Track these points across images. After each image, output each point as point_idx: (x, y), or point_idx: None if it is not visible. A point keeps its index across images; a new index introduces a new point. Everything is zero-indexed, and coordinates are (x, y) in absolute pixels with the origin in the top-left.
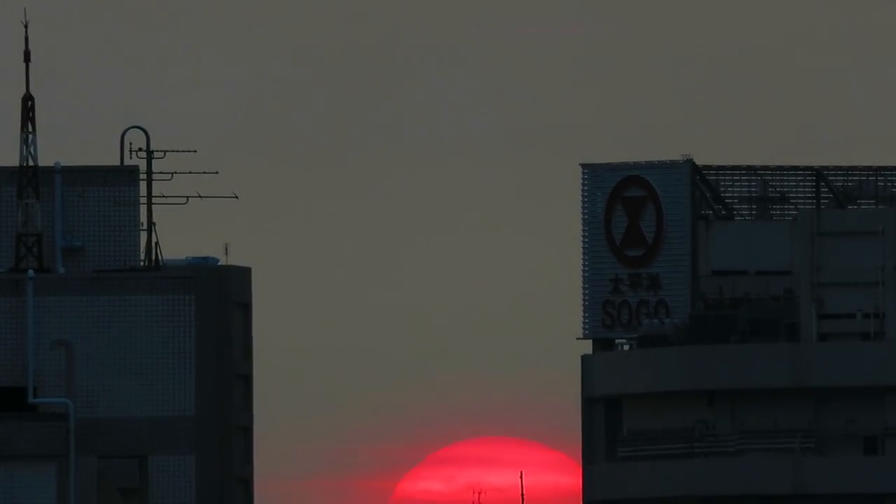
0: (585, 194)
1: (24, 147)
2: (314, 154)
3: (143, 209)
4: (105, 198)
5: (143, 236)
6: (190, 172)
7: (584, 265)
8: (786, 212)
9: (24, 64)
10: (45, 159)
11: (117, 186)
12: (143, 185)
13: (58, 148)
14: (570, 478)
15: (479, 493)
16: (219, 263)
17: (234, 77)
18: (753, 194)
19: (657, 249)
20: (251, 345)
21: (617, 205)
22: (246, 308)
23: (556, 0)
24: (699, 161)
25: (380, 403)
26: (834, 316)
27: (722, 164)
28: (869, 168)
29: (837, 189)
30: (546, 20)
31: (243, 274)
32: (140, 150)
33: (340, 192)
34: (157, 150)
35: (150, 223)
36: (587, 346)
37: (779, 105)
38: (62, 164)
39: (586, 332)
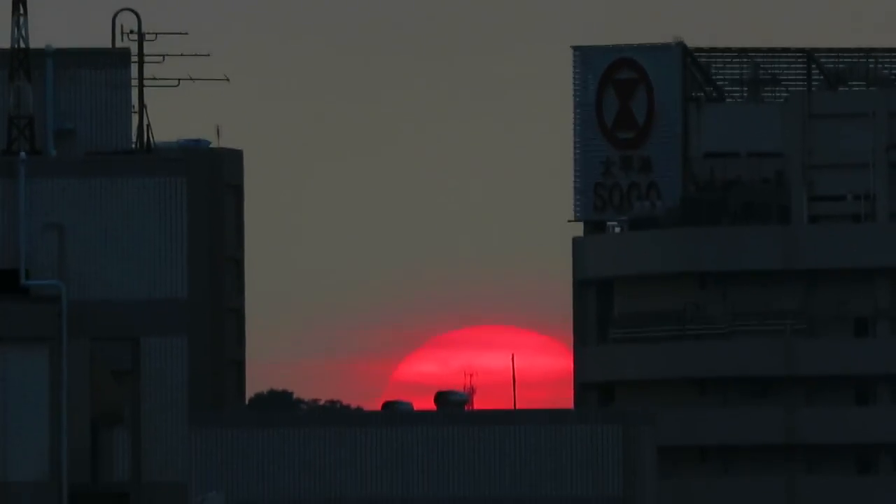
0: (576, 77)
1: (16, 30)
2: (305, 36)
3: (134, 92)
4: (97, 80)
5: (135, 119)
6: (181, 55)
7: (575, 148)
8: (777, 94)
9: None
10: (37, 42)
11: (109, 69)
12: (134, 68)
13: (49, 31)
14: (562, 360)
15: (472, 375)
16: (210, 146)
17: None
18: (744, 76)
19: (648, 132)
20: (243, 227)
21: (608, 87)
22: (238, 190)
23: None
24: (690, 43)
25: (371, 290)
26: (825, 198)
27: (713, 46)
28: (860, 50)
29: (829, 71)
30: None
31: (235, 156)
32: (131, 32)
33: (331, 74)
34: (148, 33)
35: (142, 106)
36: (578, 229)
37: None
38: (54, 47)
39: (578, 214)
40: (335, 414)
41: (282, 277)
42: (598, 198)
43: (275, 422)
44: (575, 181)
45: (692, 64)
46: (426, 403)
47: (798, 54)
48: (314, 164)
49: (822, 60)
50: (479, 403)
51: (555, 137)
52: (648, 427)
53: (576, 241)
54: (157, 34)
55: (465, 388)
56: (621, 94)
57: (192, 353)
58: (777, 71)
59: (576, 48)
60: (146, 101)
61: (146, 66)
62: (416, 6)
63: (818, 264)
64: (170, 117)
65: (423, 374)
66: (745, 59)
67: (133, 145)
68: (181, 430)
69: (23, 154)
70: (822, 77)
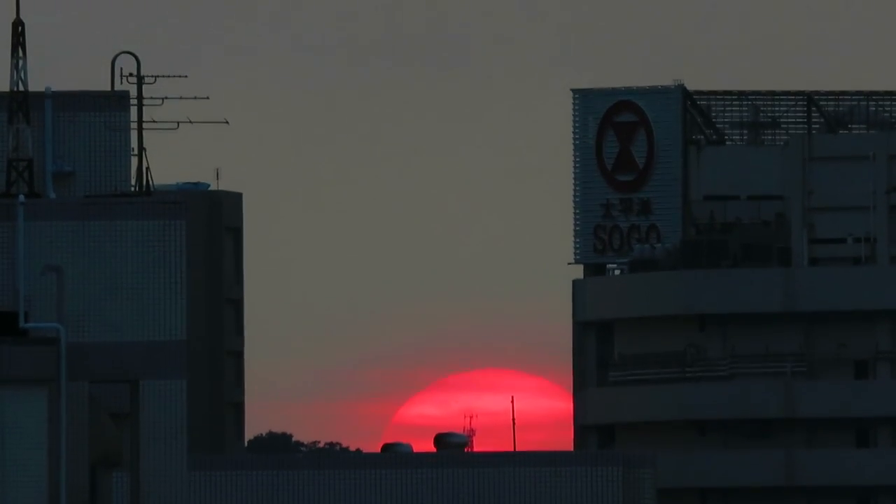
0: (576, 119)
1: (15, 72)
2: (304, 79)
3: (133, 134)
4: (96, 123)
5: (134, 162)
6: (180, 98)
7: (575, 190)
8: (777, 137)
9: None
10: (36, 85)
11: (108, 112)
12: (133, 111)
13: (48, 73)
14: (561, 402)
15: (472, 417)
16: (210, 188)
17: (224, 2)
18: (745, 119)
19: (648, 174)
20: (242, 270)
21: (608, 130)
22: (237, 233)
23: None
24: (690, 86)
25: (370, 333)
26: (825, 240)
27: (713, 89)
28: (860, 93)
29: (829, 114)
30: None
31: (235, 199)
32: (131, 75)
33: (330, 116)
34: (147, 76)
35: (141, 148)
36: (578, 271)
37: (770, 30)
38: (53, 90)
39: (578, 257)
40: (334, 456)
41: (281, 319)
42: (598, 240)
43: (274, 464)
44: (575, 224)
45: (692, 107)
46: (426, 446)
47: (798, 97)
48: (314, 207)
49: (822, 103)
50: (478, 446)
51: (555, 180)
52: (649, 469)
53: (576, 283)
54: (156, 77)
55: (464, 430)
56: (621, 136)
57: (191, 395)
58: (777, 114)
59: (576, 91)
60: (145, 143)
61: (145, 109)
62: (415, 50)
63: (818, 307)
64: (169, 160)
65: (423, 416)
66: (745, 102)
67: (132, 188)
68: (180, 472)
69: (21, 197)
70: (822, 120)
